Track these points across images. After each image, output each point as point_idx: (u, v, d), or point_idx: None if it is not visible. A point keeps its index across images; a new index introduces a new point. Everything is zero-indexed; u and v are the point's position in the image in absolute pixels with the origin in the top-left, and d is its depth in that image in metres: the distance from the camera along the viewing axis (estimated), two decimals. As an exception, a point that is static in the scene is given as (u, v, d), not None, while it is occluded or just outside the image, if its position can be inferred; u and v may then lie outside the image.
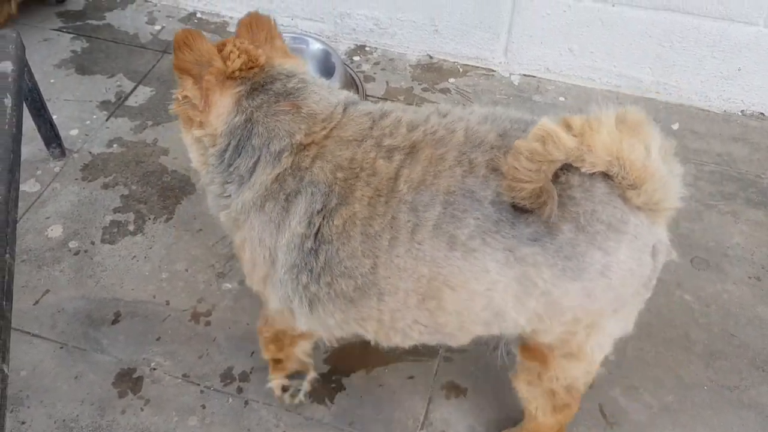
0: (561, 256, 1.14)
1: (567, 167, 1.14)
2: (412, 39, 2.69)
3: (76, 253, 2.03)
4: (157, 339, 1.83)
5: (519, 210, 1.14)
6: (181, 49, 1.28)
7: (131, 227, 2.10)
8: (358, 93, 2.55)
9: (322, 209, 1.25)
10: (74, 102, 2.51)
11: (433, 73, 2.67)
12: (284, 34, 2.60)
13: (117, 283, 1.96)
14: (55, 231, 2.09)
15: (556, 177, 1.13)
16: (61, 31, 2.84)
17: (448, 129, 1.25)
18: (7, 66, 1.89)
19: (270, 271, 1.35)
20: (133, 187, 2.22)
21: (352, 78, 2.59)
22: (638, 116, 1.12)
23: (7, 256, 1.50)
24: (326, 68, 2.52)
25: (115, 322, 1.87)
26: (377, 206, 1.22)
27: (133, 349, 1.81)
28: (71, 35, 2.81)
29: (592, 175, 1.13)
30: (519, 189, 1.10)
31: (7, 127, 1.74)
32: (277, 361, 1.64)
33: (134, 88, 2.57)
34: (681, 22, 2.32)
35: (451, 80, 2.64)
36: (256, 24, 1.40)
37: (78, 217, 2.13)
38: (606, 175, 1.13)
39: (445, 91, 2.59)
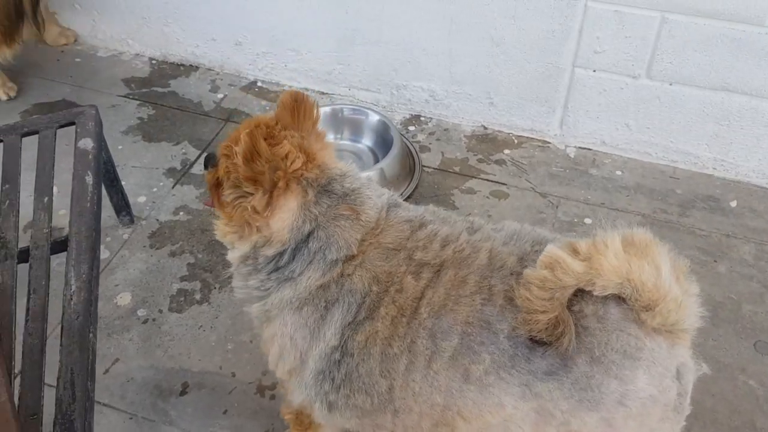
0: (577, 389, 1.14)
1: (581, 295, 1.14)
2: (467, 110, 2.76)
3: (145, 322, 2.09)
4: (224, 412, 1.86)
5: (536, 342, 1.14)
6: (253, 160, 1.20)
7: (197, 296, 2.16)
8: (414, 164, 2.60)
9: (352, 321, 1.26)
10: (141, 169, 2.61)
11: (487, 144, 2.72)
12: (344, 105, 2.70)
13: (185, 353, 2.01)
14: (124, 299, 2.16)
15: (569, 306, 1.13)
16: (127, 97, 2.96)
17: (474, 248, 1.26)
18: (88, 143, 1.98)
19: (298, 368, 1.34)
20: (199, 256, 2.28)
21: (409, 149, 2.65)
22: (645, 237, 1.12)
23: (91, 335, 1.56)
24: (384, 140, 2.59)
25: (183, 393, 1.91)
26: (398, 327, 1.23)
27: (201, 422, 1.84)
28: (137, 102, 2.93)
29: (606, 300, 1.13)
30: (535, 321, 1.11)
31: (89, 205, 1.81)
32: None
33: (198, 156, 2.66)
34: (739, 102, 2.34)
35: (507, 151, 2.68)
36: (302, 109, 1.33)
37: (146, 285, 2.19)
38: (620, 299, 1.12)
39: (500, 162, 2.63)
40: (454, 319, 1.20)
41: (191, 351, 2.01)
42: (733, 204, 2.43)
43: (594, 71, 2.44)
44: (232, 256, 1.38)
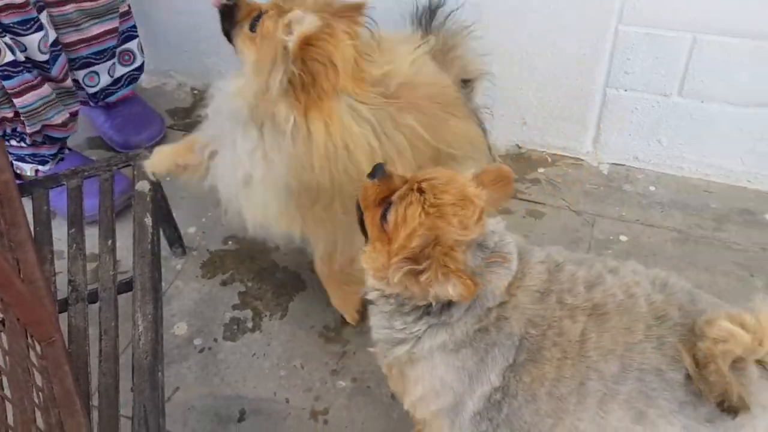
0: None
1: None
2: (501, 131, 2.81)
3: (201, 351, 2.20)
4: (281, 438, 1.97)
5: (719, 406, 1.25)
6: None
7: (249, 324, 2.27)
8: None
9: (513, 364, 1.34)
10: (190, 199, 2.72)
11: (522, 163, 2.78)
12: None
13: (240, 381, 2.11)
14: (181, 328, 2.27)
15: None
16: (172, 128, 3.08)
17: (627, 294, 1.34)
18: (145, 186, 2.09)
19: (450, 409, 1.41)
20: (249, 284, 2.39)
21: (446, 170, 2.72)
22: None
23: (159, 374, 1.67)
24: (422, 163, 2.66)
25: (241, 419, 2.02)
26: (564, 369, 1.30)
27: (260, 448, 1.95)
28: (182, 132, 3.05)
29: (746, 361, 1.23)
30: (713, 391, 1.21)
31: (149, 246, 1.93)
32: None
33: (243, 185, 2.76)
34: (774, 117, 2.37)
35: (541, 170, 2.74)
36: (502, 183, 1.39)
37: (200, 315, 2.31)
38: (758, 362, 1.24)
39: (535, 181, 2.70)
40: (627, 365, 1.28)
41: (246, 378, 2.12)
42: (768, 216, 2.47)
43: (625, 91, 2.49)
44: (373, 286, 1.39)
